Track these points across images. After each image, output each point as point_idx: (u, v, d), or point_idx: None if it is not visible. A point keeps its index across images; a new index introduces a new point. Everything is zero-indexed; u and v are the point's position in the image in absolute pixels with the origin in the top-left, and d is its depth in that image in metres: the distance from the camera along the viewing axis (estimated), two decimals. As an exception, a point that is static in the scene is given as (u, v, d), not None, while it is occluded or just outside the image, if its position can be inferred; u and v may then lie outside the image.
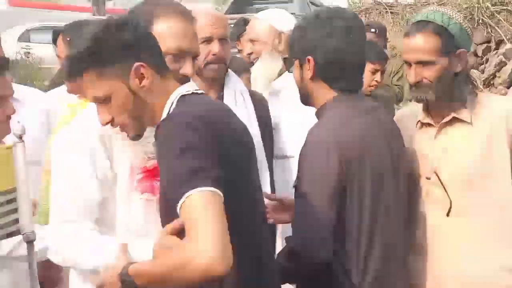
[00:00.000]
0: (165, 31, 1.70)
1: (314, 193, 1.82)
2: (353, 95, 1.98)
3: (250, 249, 1.50)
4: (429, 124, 2.09)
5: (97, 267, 1.62)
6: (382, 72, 3.90)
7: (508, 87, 6.21)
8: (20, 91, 2.49)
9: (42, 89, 3.86)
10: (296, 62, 2.02)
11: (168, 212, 1.41)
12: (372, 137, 1.91)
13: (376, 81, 3.81)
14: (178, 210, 1.31)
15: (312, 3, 12.79)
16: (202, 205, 1.28)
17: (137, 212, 1.73)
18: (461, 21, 2.06)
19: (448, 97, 2.04)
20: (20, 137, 1.88)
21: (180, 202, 1.29)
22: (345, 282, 1.87)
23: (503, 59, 6.47)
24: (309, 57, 1.93)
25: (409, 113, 2.24)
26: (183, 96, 1.54)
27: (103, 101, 1.55)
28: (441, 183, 2.01)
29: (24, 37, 12.04)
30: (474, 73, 7.03)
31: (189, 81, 1.75)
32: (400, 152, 2.02)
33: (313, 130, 1.91)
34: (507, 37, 7.23)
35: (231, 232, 1.29)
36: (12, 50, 9.85)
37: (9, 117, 2.04)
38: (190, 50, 1.75)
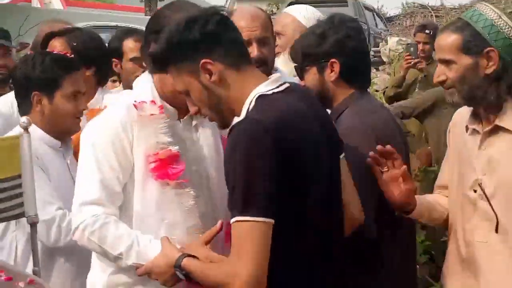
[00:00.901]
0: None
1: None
2: (367, 91, 2.12)
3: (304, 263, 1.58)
4: (476, 131, 1.93)
5: (124, 254, 1.72)
6: None
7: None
8: None
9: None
10: (314, 69, 2.05)
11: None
12: (392, 128, 2.04)
13: None
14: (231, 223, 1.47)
15: (366, 8, 12.78)
16: (247, 234, 1.43)
17: (151, 199, 1.79)
18: (495, 17, 1.86)
19: (481, 102, 1.88)
20: (26, 129, 2.10)
21: (232, 221, 1.45)
22: None
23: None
24: (334, 60, 1.97)
25: (466, 113, 2.03)
26: (261, 96, 1.55)
27: (186, 94, 1.64)
28: (486, 196, 1.88)
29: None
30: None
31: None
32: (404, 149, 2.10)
33: (346, 119, 1.97)
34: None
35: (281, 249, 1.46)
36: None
37: (81, 113, 2.30)
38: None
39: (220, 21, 1.60)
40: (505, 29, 1.84)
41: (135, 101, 1.78)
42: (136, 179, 1.78)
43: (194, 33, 1.56)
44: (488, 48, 1.82)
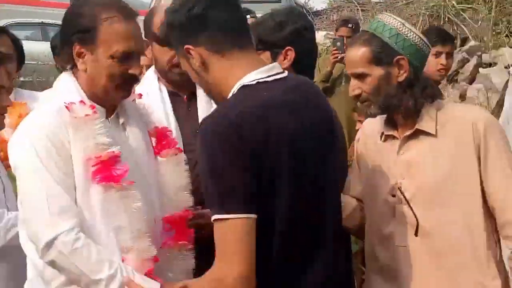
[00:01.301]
0: (112, 36, 1.73)
1: None
2: None
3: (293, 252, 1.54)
4: (393, 137, 1.98)
5: (105, 281, 1.63)
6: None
7: (470, 84, 6.28)
8: None
9: (17, 83, 3.81)
10: (268, 54, 2.07)
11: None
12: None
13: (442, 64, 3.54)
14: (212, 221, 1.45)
15: (297, 4, 12.96)
16: (228, 233, 1.42)
17: (96, 205, 1.72)
18: (399, 26, 1.91)
19: (398, 109, 1.92)
20: None
21: (212, 219, 1.44)
22: None
23: (466, 56, 6.53)
24: (289, 48, 2.03)
25: (378, 122, 2.07)
26: (244, 86, 1.53)
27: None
28: (406, 200, 1.91)
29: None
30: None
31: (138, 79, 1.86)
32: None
33: None
34: (472, 35, 7.31)
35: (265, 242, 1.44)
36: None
37: (5, 109, 2.22)
38: (137, 50, 1.79)
39: (210, 4, 1.57)
40: (410, 36, 1.90)
41: (65, 103, 1.72)
42: (77, 186, 1.71)
43: (180, 17, 1.57)
44: (398, 57, 1.88)
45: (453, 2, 7.68)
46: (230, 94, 1.54)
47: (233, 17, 1.59)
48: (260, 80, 1.53)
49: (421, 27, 7.62)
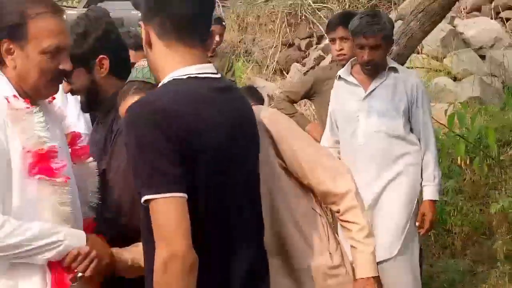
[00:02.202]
0: (43, 31, 1.77)
1: None
2: None
3: (221, 243, 1.60)
4: None
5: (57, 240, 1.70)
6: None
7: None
8: None
9: None
10: (82, 70, 2.15)
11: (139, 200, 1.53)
12: None
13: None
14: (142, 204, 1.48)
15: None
16: (161, 212, 1.45)
17: (30, 199, 1.76)
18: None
19: None
20: None
21: (142, 201, 1.46)
22: None
23: (322, 53, 6.86)
24: (103, 56, 2.12)
25: None
26: (175, 79, 1.59)
27: None
28: None
29: None
30: (296, 66, 7.47)
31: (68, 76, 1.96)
32: None
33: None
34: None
35: (199, 226, 1.49)
36: None
37: None
38: (66, 45, 1.84)
39: None
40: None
41: (4, 96, 1.75)
42: (14, 177, 1.74)
43: None
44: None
45: (310, 1, 8.10)
46: (160, 84, 1.62)
47: (191, 14, 1.63)
48: (192, 75, 1.60)
49: (280, 24, 7.89)
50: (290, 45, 9.07)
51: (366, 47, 3.28)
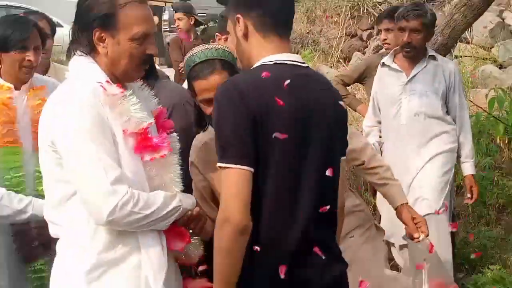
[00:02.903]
0: (131, 20, 1.79)
1: None
2: None
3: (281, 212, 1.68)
4: None
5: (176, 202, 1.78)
6: None
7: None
8: None
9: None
10: None
11: None
12: None
13: None
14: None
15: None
16: (229, 179, 1.59)
17: (137, 171, 1.78)
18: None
19: None
20: None
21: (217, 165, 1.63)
22: None
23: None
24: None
25: None
26: (263, 64, 1.72)
27: None
28: None
29: None
30: (357, 54, 8.27)
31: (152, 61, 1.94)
32: None
33: None
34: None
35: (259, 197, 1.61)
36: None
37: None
38: (152, 32, 1.87)
39: None
40: None
41: (99, 83, 1.76)
42: (121, 156, 1.75)
43: None
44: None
45: (371, -4, 8.79)
46: (253, 67, 1.74)
47: (285, 8, 1.79)
48: (280, 61, 1.72)
49: (344, 17, 8.63)
50: (353, 35, 9.49)
51: (406, 29, 3.41)
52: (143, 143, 1.79)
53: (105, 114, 1.74)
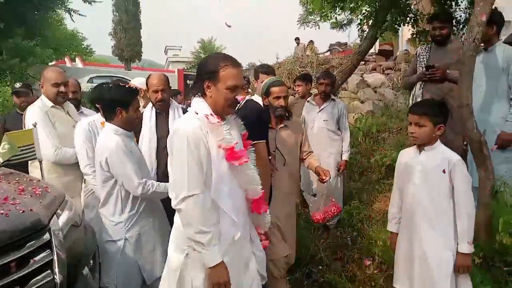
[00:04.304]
0: (228, 76, 2.42)
1: None
2: None
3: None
4: None
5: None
6: None
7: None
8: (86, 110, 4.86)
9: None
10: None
11: None
12: None
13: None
14: None
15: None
16: None
17: (224, 174, 2.46)
18: None
19: None
20: (35, 126, 3.90)
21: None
22: None
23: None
24: None
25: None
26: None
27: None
28: None
29: (90, 81, 18.07)
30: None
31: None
32: None
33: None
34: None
35: None
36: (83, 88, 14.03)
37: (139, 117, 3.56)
38: (241, 84, 2.51)
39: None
40: None
41: (205, 115, 2.44)
42: (213, 162, 2.42)
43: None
44: None
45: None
46: None
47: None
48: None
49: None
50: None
51: (323, 84, 5.51)
52: (231, 155, 2.44)
53: (205, 136, 2.40)
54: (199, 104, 2.57)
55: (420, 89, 5.52)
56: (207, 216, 2.42)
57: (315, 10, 8.43)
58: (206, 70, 2.54)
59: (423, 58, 5.59)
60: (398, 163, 3.37)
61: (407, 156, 3.31)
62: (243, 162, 2.51)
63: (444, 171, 3.04)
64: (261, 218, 2.74)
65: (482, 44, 4.39)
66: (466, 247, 3.01)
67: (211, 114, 2.52)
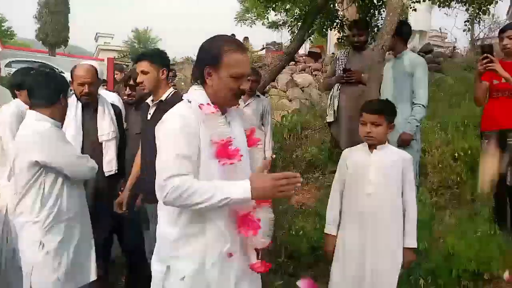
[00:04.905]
0: (232, 62, 2.19)
1: None
2: None
3: None
4: None
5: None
6: None
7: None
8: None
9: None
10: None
11: None
12: None
13: None
14: None
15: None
16: None
17: (214, 172, 2.17)
18: None
19: None
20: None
21: None
22: None
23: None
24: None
25: None
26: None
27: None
28: None
29: (8, 65, 17.33)
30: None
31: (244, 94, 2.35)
32: None
33: None
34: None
35: None
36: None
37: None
38: (247, 73, 2.26)
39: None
40: None
41: (200, 104, 2.18)
42: (202, 158, 2.15)
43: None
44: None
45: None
46: None
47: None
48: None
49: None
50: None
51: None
52: (222, 151, 2.17)
53: (197, 126, 2.16)
54: (195, 92, 2.31)
55: (337, 90, 6.10)
56: (204, 189, 2.10)
57: (251, 8, 8.82)
58: (207, 54, 2.28)
59: (341, 62, 6.14)
60: (345, 165, 3.28)
61: (356, 156, 3.28)
62: (234, 162, 2.20)
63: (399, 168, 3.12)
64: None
65: (391, 52, 4.97)
66: (414, 242, 3.13)
67: (208, 104, 2.24)
